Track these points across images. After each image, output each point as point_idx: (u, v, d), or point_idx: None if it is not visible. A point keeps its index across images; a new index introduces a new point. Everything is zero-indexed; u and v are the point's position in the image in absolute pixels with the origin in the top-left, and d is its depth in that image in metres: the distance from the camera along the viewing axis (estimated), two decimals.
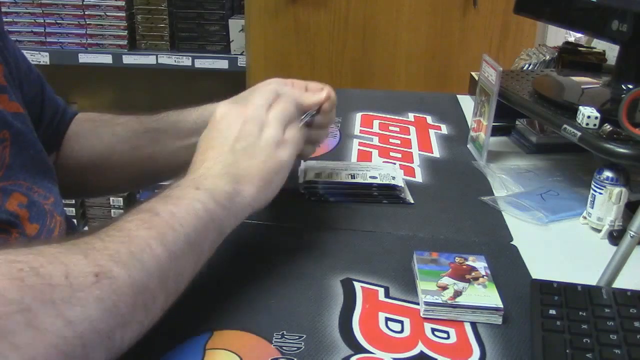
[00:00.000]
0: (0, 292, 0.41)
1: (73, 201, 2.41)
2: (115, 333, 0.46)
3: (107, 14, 2.20)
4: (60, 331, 0.42)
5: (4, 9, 2.18)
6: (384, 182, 0.83)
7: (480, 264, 0.66)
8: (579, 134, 0.79)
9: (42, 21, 2.22)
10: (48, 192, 0.69)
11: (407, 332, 0.58)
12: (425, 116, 1.16)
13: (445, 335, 0.58)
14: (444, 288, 0.62)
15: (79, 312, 0.44)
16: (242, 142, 0.64)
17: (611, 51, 1.11)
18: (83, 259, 0.46)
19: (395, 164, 0.93)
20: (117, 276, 0.47)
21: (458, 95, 1.29)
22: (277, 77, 0.79)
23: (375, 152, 0.99)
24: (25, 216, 0.64)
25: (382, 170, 0.86)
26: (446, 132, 1.10)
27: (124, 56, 2.20)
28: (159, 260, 0.51)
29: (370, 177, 0.84)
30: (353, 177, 0.83)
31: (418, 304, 0.62)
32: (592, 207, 0.77)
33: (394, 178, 0.84)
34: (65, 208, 0.75)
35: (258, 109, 0.67)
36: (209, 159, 0.63)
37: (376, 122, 1.12)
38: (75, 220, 2.38)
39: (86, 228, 2.47)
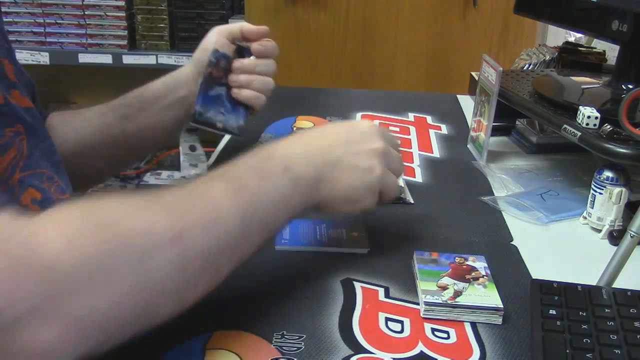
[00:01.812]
0: (77, 248, 0.43)
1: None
2: (183, 293, 0.49)
3: (107, 14, 2.20)
4: (130, 286, 0.45)
5: (4, 9, 2.18)
6: None
7: (480, 264, 0.66)
8: (579, 134, 0.79)
9: (42, 21, 2.22)
10: (66, 185, 0.70)
11: (407, 332, 0.58)
12: (425, 116, 1.16)
13: (445, 335, 0.58)
14: (444, 288, 0.62)
15: (151, 269, 0.46)
16: (354, 161, 0.63)
17: (611, 51, 1.11)
18: (168, 214, 0.49)
19: None
20: (193, 241, 0.49)
21: (458, 95, 1.29)
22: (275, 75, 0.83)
23: None
24: (37, 213, 0.64)
25: None
26: (446, 132, 1.10)
27: (124, 56, 2.20)
28: (234, 236, 0.53)
29: None
30: None
31: (418, 304, 0.62)
32: (592, 207, 0.77)
33: None
34: None
35: (389, 144, 0.67)
36: (315, 157, 0.62)
37: (376, 122, 1.12)
38: None
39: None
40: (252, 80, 0.82)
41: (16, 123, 0.64)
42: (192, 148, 0.83)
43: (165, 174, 2.27)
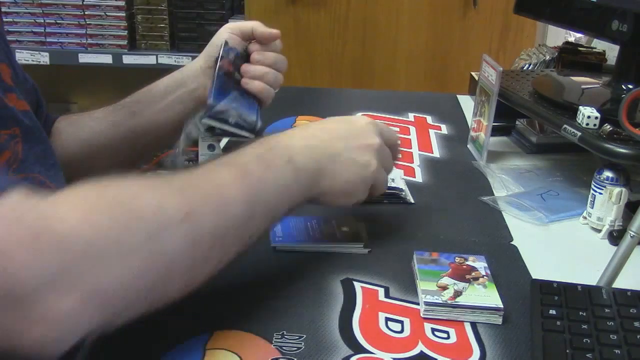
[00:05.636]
0: (92, 222, 0.45)
1: None
2: (192, 271, 0.51)
3: (107, 14, 2.20)
4: (142, 260, 0.47)
5: (4, 9, 2.18)
6: None
7: (480, 264, 0.66)
8: (579, 134, 0.79)
9: (42, 21, 2.22)
10: (60, 187, 0.70)
11: (407, 332, 0.58)
12: (425, 116, 1.16)
13: (445, 335, 0.58)
14: (444, 288, 0.62)
15: (163, 245, 0.48)
16: (352, 155, 0.66)
17: (611, 51, 1.10)
18: (178, 195, 0.51)
19: None
20: (202, 221, 0.51)
21: (458, 95, 1.29)
22: None
23: None
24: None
25: None
26: (446, 132, 1.10)
27: (124, 56, 2.20)
28: (239, 218, 0.55)
29: None
30: None
31: (418, 304, 0.62)
32: (592, 207, 0.77)
33: (392, 180, 0.84)
34: None
35: (384, 141, 0.69)
36: (316, 149, 0.64)
37: (378, 122, 1.12)
38: None
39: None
40: (266, 72, 0.83)
41: (13, 125, 0.64)
42: (211, 147, 0.81)
43: (165, 174, 2.27)
